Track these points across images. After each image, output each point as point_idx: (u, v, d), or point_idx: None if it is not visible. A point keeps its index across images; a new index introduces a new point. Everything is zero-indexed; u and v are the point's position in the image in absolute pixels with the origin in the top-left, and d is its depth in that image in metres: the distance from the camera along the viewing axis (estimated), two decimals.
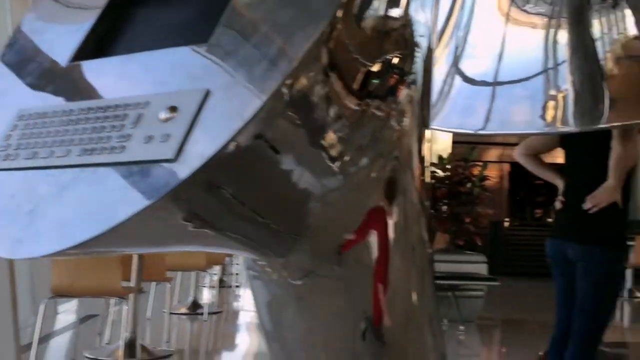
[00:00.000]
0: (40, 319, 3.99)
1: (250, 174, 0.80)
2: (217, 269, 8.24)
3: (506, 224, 16.94)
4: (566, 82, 1.69)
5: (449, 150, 9.64)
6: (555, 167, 3.33)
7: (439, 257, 7.43)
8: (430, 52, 1.04)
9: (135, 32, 0.95)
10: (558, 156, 3.28)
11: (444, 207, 7.59)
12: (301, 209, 0.88)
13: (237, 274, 9.82)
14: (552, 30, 1.72)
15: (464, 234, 7.52)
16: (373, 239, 0.93)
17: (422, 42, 0.99)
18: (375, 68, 0.89)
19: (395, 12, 0.94)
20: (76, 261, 3.91)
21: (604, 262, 2.94)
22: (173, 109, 0.77)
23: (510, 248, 14.15)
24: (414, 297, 1.10)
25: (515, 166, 13.19)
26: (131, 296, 4.52)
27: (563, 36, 1.71)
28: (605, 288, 2.98)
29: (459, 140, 13.38)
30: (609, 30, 1.70)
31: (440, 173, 7.66)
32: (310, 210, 0.88)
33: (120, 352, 4.48)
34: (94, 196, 0.78)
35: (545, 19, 1.71)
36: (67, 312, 6.06)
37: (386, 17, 0.93)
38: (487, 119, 1.75)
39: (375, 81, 0.89)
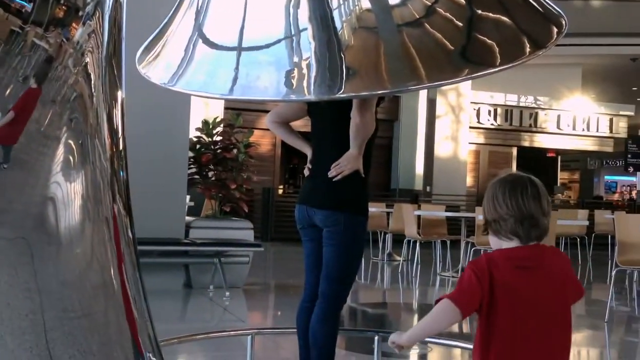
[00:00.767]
0: None
1: None
2: None
3: (280, 191, 17.44)
4: (308, 50, 1.67)
5: (221, 116, 9.61)
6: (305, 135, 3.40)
7: (204, 223, 7.40)
8: (118, 3, 0.94)
9: None
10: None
11: (210, 173, 7.54)
12: None
13: None
14: None
15: (231, 201, 7.53)
16: (51, 212, 0.82)
17: None
18: None
19: None
20: None
21: (347, 227, 3.04)
22: None
23: (281, 214, 14.55)
24: (111, 273, 1.00)
25: None
26: None
27: (303, 3, 1.69)
28: (349, 252, 3.08)
29: (229, 107, 13.48)
30: (344, 0, 1.71)
31: (205, 138, 7.58)
32: None
33: None
34: None
35: None
36: None
37: None
38: (231, 84, 1.69)
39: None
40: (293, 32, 1.68)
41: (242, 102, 10.99)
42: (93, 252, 0.95)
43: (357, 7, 1.68)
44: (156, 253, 6.67)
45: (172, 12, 1.65)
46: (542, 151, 21.62)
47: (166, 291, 6.72)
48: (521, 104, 19.81)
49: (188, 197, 7.92)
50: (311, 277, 3.22)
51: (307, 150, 3.27)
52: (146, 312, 1.08)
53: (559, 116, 20.17)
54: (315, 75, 1.61)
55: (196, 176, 7.52)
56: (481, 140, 19.58)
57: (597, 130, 20.69)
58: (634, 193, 25.13)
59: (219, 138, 7.60)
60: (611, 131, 20.90)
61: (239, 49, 1.70)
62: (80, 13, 0.86)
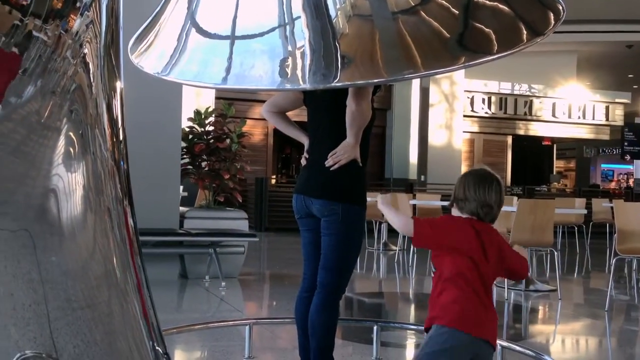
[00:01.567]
0: None
1: None
2: None
3: (273, 181, 17.43)
4: (302, 39, 1.67)
5: (212, 106, 9.60)
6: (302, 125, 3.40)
7: (199, 214, 7.40)
8: None
9: None
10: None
11: (203, 164, 7.53)
12: None
13: None
14: None
15: (224, 191, 7.52)
16: (53, 203, 0.82)
17: None
18: None
19: None
20: None
21: (344, 217, 3.04)
22: None
23: (275, 204, 14.54)
24: (114, 262, 1.00)
25: None
26: None
27: None
28: (346, 242, 3.08)
29: (221, 96, 13.45)
30: None
31: (197, 128, 7.56)
32: None
33: None
34: None
35: None
36: None
37: None
38: (225, 73, 1.69)
39: None
40: (287, 21, 1.67)
41: (234, 91, 10.96)
42: (95, 242, 0.95)
43: None
44: (151, 244, 6.67)
45: (163, 1, 1.65)
46: (538, 139, 21.65)
47: (162, 282, 6.73)
48: (515, 92, 19.81)
49: (181, 187, 7.91)
50: (309, 267, 3.22)
51: (304, 140, 3.26)
52: (149, 301, 1.08)
53: (554, 104, 20.18)
54: (310, 64, 1.60)
55: (189, 166, 7.51)
56: (475, 128, 19.59)
57: (593, 118, 20.71)
58: (631, 181, 25.20)
59: (211, 128, 7.57)
60: (607, 119, 20.91)
61: (233, 37, 1.69)
62: (78, 4, 0.86)
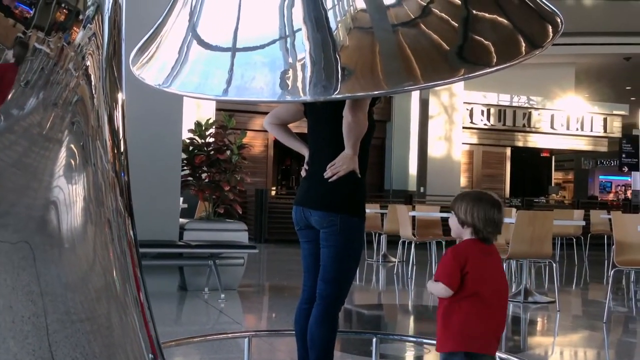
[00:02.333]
0: None
1: None
2: None
3: (273, 192, 17.43)
4: (303, 51, 1.67)
5: (213, 117, 9.61)
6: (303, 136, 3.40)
7: (198, 225, 7.40)
8: (117, 5, 0.94)
9: None
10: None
11: (203, 175, 7.53)
12: None
13: None
14: None
15: (224, 202, 7.52)
16: (53, 215, 0.82)
17: None
18: None
19: None
20: None
21: (343, 228, 3.03)
22: None
23: (275, 216, 14.52)
24: (114, 274, 1.00)
25: None
26: None
27: (298, 3, 1.69)
28: (345, 254, 3.08)
29: (221, 108, 13.47)
30: (339, 0, 1.71)
31: (198, 140, 7.57)
32: None
33: None
34: None
35: None
36: None
37: None
38: (226, 85, 1.69)
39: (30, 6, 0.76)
40: (288, 33, 1.68)
41: (234, 103, 10.99)
42: (95, 254, 0.95)
43: (352, 8, 1.68)
44: (150, 255, 6.66)
45: (165, 12, 1.65)
46: (536, 151, 21.68)
47: (161, 294, 6.72)
48: (514, 104, 19.85)
49: (181, 199, 7.90)
50: (309, 279, 3.21)
51: (305, 151, 3.27)
52: (149, 313, 1.08)
53: (552, 116, 20.22)
54: (310, 76, 1.60)
55: (189, 178, 7.51)
56: (474, 140, 19.61)
57: (591, 130, 20.74)
58: (628, 193, 25.21)
59: (211, 139, 7.58)
60: (605, 131, 20.95)
61: (234, 49, 1.70)
62: (81, 17, 0.86)
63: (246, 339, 3.98)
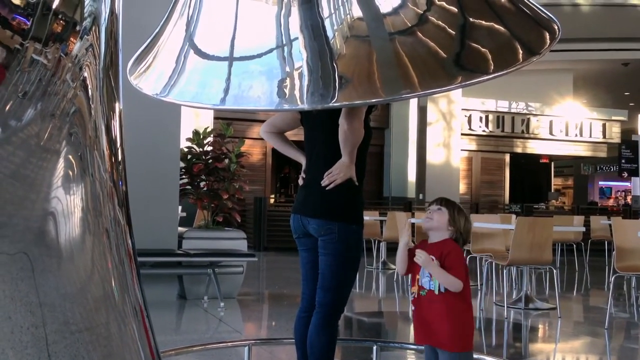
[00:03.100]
0: None
1: None
2: None
3: (271, 201, 17.41)
4: (300, 60, 1.67)
5: (211, 126, 9.64)
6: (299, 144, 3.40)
7: (197, 234, 7.39)
8: (114, 16, 0.94)
9: None
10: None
11: (202, 184, 7.53)
12: None
13: None
14: (284, 6, 1.69)
15: (223, 211, 7.52)
16: (52, 226, 0.82)
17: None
18: (19, 2, 0.77)
19: None
20: None
21: (341, 236, 3.03)
22: None
23: (274, 224, 14.51)
24: (113, 284, 1.00)
25: None
26: None
27: (294, 12, 1.69)
28: (343, 261, 3.07)
29: (219, 117, 13.49)
30: (336, 9, 1.71)
31: (196, 148, 7.58)
32: None
33: None
34: None
35: None
36: None
37: None
38: (223, 94, 1.70)
39: (25, 16, 0.77)
40: (285, 42, 1.68)
41: (232, 112, 10.98)
42: (94, 263, 0.95)
43: (348, 16, 1.68)
44: (149, 264, 6.65)
45: (162, 22, 1.65)
46: (535, 157, 21.69)
47: (160, 302, 6.70)
48: (512, 110, 19.87)
49: (180, 207, 7.90)
50: (308, 287, 3.21)
51: (302, 160, 3.27)
52: (148, 322, 1.08)
53: (551, 122, 20.24)
54: (307, 85, 1.61)
55: (188, 187, 7.51)
56: (473, 147, 19.62)
57: (590, 136, 20.76)
58: (628, 198, 25.21)
59: (209, 148, 7.58)
60: (604, 136, 20.96)
61: (231, 58, 1.70)
62: (78, 28, 0.87)
63: (246, 348, 3.98)
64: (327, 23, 1.68)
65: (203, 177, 7.47)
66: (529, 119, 20.02)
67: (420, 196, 17.74)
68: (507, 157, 20.41)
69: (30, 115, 0.82)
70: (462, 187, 19.25)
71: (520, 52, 1.36)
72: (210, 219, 7.52)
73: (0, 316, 0.86)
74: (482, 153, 19.92)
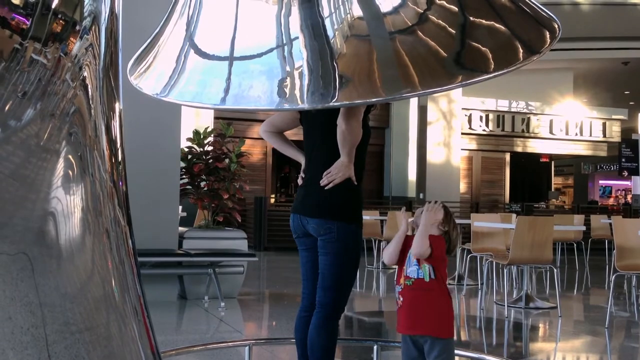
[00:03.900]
0: None
1: None
2: None
3: (272, 200, 17.41)
4: (300, 59, 1.67)
5: (211, 126, 9.63)
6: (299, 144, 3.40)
7: (198, 234, 7.39)
8: (114, 16, 0.94)
9: None
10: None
11: (202, 183, 7.53)
12: None
13: None
14: (284, 5, 1.69)
15: (223, 211, 7.52)
16: (52, 226, 0.82)
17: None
18: (18, 1, 0.77)
19: None
20: None
21: (340, 236, 3.03)
22: None
23: (274, 223, 14.51)
24: (113, 284, 1.00)
25: None
26: None
27: (295, 12, 1.69)
28: (343, 261, 3.07)
29: (220, 116, 13.49)
30: (336, 8, 1.71)
31: (196, 148, 7.58)
32: None
33: None
34: None
35: None
36: None
37: None
38: (224, 94, 1.69)
39: (23, 15, 0.77)
40: (285, 41, 1.68)
41: (233, 111, 10.97)
42: (94, 264, 0.94)
43: (348, 16, 1.68)
44: (150, 264, 6.65)
45: (162, 22, 1.65)
46: (536, 156, 21.68)
47: (161, 302, 6.70)
48: (513, 110, 19.86)
49: (180, 207, 7.90)
50: (308, 287, 3.21)
51: (301, 159, 3.27)
52: (148, 322, 1.08)
53: (551, 121, 20.23)
54: (308, 84, 1.61)
55: (188, 186, 7.51)
56: (473, 146, 19.62)
57: (590, 135, 20.75)
58: (629, 197, 25.21)
59: (210, 148, 7.58)
60: (604, 135, 20.95)
61: (231, 58, 1.70)
62: (78, 27, 0.87)
63: (247, 348, 3.98)
64: (327, 22, 1.68)
65: (203, 177, 7.48)
66: (529, 118, 20.01)
67: (421, 195, 17.73)
68: (508, 157, 20.40)
69: (29, 115, 0.82)
70: (463, 187, 19.24)
71: (521, 51, 1.36)
72: (211, 218, 7.52)
73: (0, 316, 0.86)
74: (482, 152, 19.91)
